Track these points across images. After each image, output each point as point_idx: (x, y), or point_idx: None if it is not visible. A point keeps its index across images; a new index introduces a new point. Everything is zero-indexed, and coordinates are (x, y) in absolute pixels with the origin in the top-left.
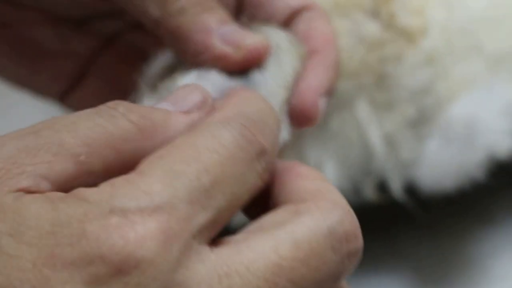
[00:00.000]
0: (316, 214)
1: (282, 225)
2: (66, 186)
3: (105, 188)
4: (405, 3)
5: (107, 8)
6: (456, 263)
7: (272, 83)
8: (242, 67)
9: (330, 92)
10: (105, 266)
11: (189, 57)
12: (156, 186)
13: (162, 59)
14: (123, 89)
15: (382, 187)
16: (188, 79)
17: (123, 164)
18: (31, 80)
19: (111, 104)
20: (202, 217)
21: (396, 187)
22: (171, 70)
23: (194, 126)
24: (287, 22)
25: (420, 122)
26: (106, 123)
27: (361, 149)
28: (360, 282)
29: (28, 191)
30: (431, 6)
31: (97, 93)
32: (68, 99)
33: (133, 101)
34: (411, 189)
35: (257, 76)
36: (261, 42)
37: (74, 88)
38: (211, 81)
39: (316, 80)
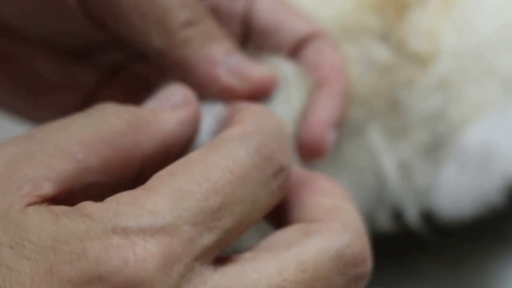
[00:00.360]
0: (325, 237)
1: (290, 246)
2: (68, 184)
3: (110, 204)
4: (415, 27)
5: (110, 38)
6: None
7: (280, 117)
8: (249, 100)
9: (339, 123)
10: (103, 287)
11: (195, 88)
12: (161, 205)
13: None
14: None
15: (397, 215)
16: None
17: (120, 160)
18: (34, 114)
19: (99, 106)
20: (206, 239)
21: (411, 215)
22: None
23: (183, 121)
24: (295, 51)
25: (435, 148)
26: (98, 121)
27: (375, 177)
28: None
29: (31, 196)
30: (441, 29)
31: None
32: None
33: None
34: (427, 217)
35: None
36: (269, 74)
37: None
38: (217, 113)
39: (324, 112)
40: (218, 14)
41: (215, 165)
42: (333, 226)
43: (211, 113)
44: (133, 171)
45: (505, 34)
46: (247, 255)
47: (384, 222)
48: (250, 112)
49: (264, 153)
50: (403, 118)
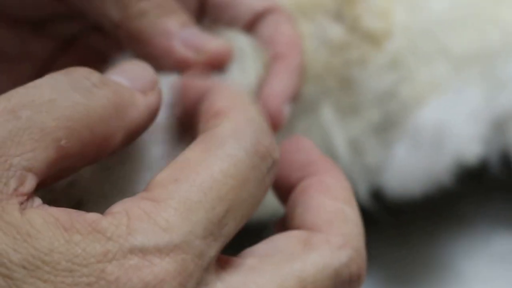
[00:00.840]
0: (326, 253)
1: (291, 260)
2: (47, 173)
3: (121, 219)
4: (369, 6)
5: (66, 9)
6: (424, 265)
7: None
8: (204, 72)
9: (294, 97)
10: None
11: (150, 60)
12: (173, 220)
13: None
14: None
15: None
16: None
17: (95, 144)
18: None
19: (84, 73)
20: (213, 249)
21: (361, 192)
22: None
23: (152, 110)
24: (251, 25)
25: (386, 127)
26: (84, 101)
27: (326, 154)
28: None
29: (19, 195)
30: (395, 9)
31: None
32: None
33: None
34: (377, 194)
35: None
36: (224, 46)
37: None
38: (173, 85)
39: (280, 86)
40: None
41: (218, 171)
42: (333, 241)
43: (166, 85)
44: (102, 156)
45: (457, 12)
46: (248, 262)
47: None
48: (232, 98)
49: (261, 152)
50: (355, 96)
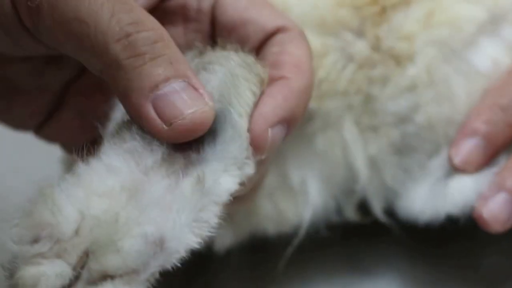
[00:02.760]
0: None
1: None
2: None
3: None
4: (396, 29)
5: None
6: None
7: (235, 116)
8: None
9: (291, 121)
10: None
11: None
12: None
13: None
14: (97, 117)
15: (365, 208)
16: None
17: None
18: (6, 117)
19: None
20: None
21: (376, 208)
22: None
23: None
24: (263, 44)
25: (404, 151)
26: None
27: (346, 170)
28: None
29: None
30: (420, 38)
31: (70, 124)
32: (43, 131)
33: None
34: (391, 211)
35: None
36: (199, 116)
37: (48, 120)
38: None
39: (268, 108)
40: (187, 13)
41: None
42: None
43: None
44: None
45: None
46: None
47: (352, 213)
48: None
49: None
50: (376, 114)
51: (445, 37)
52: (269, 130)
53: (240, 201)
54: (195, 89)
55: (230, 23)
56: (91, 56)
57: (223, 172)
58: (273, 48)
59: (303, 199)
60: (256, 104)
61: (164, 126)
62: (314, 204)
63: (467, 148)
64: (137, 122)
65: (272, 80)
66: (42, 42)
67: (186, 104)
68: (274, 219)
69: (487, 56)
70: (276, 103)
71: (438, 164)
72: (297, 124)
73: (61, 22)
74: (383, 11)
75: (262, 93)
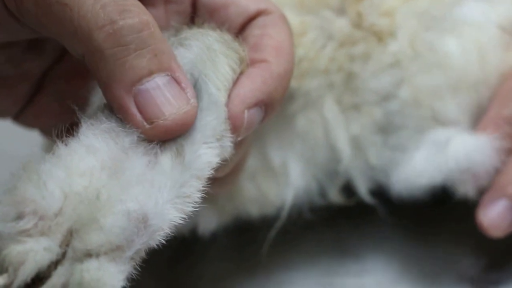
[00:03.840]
0: None
1: None
2: None
3: None
4: (376, 5)
5: None
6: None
7: (212, 88)
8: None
9: (268, 104)
10: None
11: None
12: None
13: None
14: (75, 101)
15: (349, 189)
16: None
17: None
18: None
19: None
20: None
21: (361, 189)
22: None
23: None
24: (244, 27)
25: (388, 129)
26: None
27: (328, 150)
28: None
29: None
30: (402, 13)
31: (49, 109)
32: (22, 117)
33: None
34: (379, 192)
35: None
36: (179, 117)
37: (27, 106)
38: None
39: (246, 90)
40: None
41: None
42: None
43: None
44: None
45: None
46: None
47: (335, 195)
48: None
49: None
50: (357, 93)
51: (425, 7)
52: (246, 112)
53: (223, 184)
54: (178, 83)
55: (211, 5)
56: (74, 41)
57: (202, 144)
58: (254, 31)
59: (284, 180)
60: (235, 83)
61: (145, 123)
62: (295, 185)
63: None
64: (117, 113)
65: (252, 63)
66: (25, 25)
67: (169, 103)
68: (257, 201)
69: (474, 9)
70: (255, 85)
71: (430, 139)
72: (275, 108)
73: (42, 5)
74: None
75: (241, 73)
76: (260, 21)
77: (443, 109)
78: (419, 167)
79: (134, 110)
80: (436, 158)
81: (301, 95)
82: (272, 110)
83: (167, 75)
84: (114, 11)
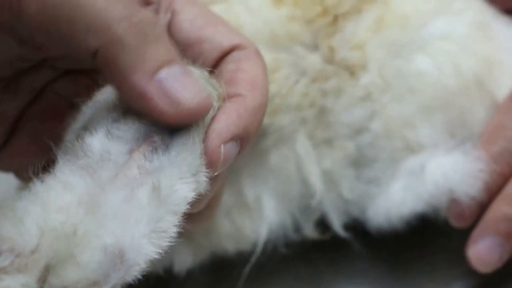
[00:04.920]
0: None
1: None
2: None
3: None
4: (347, 39)
5: (36, 59)
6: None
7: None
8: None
9: (244, 138)
10: None
11: (125, 97)
12: None
13: (83, 112)
14: (51, 141)
15: (324, 224)
16: (97, 138)
17: None
18: None
19: None
20: None
21: (334, 222)
22: (86, 125)
23: None
24: (218, 62)
25: (362, 162)
26: None
27: (301, 186)
28: None
29: None
30: (372, 46)
31: (24, 150)
32: None
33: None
34: (354, 226)
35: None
36: (202, 101)
37: (2, 149)
38: (123, 139)
39: (222, 125)
40: None
41: None
42: None
43: (117, 139)
44: None
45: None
46: None
47: (310, 230)
48: None
49: None
50: (330, 126)
51: (394, 36)
52: (222, 146)
53: (199, 219)
54: (190, 75)
55: (185, 41)
56: (88, 35)
57: (179, 179)
58: (228, 66)
59: (259, 216)
60: (212, 119)
61: (170, 108)
62: (270, 220)
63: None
64: (137, 103)
65: (228, 97)
66: (16, 37)
67: (189, 90)
68: (233, 237)
69: (439, 23)
70: (230, 120)
71: (405, 168)
72: (250, 141)
73: (47, 7)
74: (335, 20)
75: (218, 108)
76: (234, 56)
77: (415, 137)
78: (398, 197)
79: (157, 95)
80: (414, 185)
81: (273, 131)
82: (248, 144)
83: (181, 66)
84: (129, 5)
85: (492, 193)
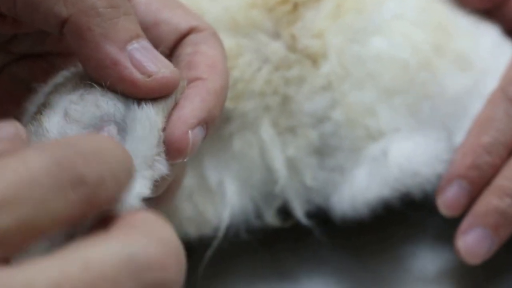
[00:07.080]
0: (119, 239)
1: (77, 246)
2: None
3: None
4: (307, 27)
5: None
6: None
7: (152, 111)
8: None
9: (209, 121)
10: None
11: (92, 66)
12: None
13: (40, 95)
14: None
15: (287, 211)
16: (54, 120)
17: None
18: None
19: None
20: None
21: (297, 210)
22: (43, 108)
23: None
24: (176, 45)
25: (325, 151)
26: None
27: (264, 172)
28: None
29: None
30: (331, 33)
31: None
32: None
33: None
34: (318, 214)
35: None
36: (173, 73)
37: None
38: (80, 123)
39: (187, 111)
40: None
41: (7, 167)
42: (129, 232)
43: (75, 122)
44: None
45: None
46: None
47: (271, 217)
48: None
49: (63, 164)
50: (293, 115)
51: (351, 22)
52: (190, 132)
53: (158, 202)
54: (157, 51)
55: (142, 24)
56: (59, 3)
57: None
58: (187, 49)
59: (221, 200)
60: (175, 107)
61: (143, 77)
62: (232, 205)
63: (452, 194)
64: (107, 73)
65: (188, 82)
66: None
67: (161, 61)
68: (195, 221)
69: (392, 6)
70: (194, 105)
71: (368, 155)
72: (215, 123)
73: None
74: (295, 8)
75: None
76: (192, 38)
77: (377, 125)
78: (362, 183)
79: (130, 65)
80: (378, 171)
81: (237, 116)
82: (213, 126)
83: (148, 42)
84: None
85: (482, 184)
